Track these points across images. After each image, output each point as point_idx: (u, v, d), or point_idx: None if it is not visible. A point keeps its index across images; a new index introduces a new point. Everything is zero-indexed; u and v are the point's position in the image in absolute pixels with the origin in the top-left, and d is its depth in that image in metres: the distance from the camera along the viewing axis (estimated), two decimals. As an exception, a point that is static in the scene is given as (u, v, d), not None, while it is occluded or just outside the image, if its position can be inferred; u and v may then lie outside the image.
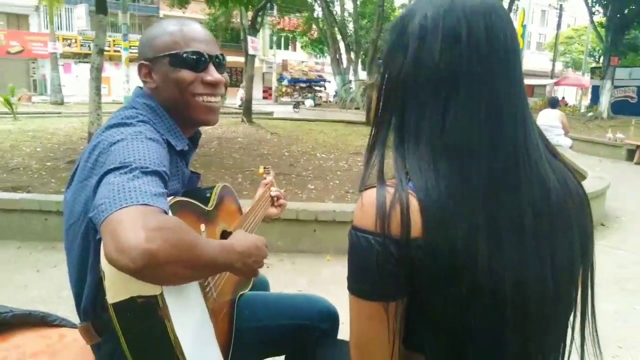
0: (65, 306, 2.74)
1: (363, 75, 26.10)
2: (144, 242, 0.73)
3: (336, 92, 27.84)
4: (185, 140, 1.18)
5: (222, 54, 1.18)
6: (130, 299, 0.83)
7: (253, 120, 12.28)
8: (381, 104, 0.79)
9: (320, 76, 34.59)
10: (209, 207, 1.15)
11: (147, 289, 0.82)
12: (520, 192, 0.71)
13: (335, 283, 3.24)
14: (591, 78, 24.43)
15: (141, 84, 1.18)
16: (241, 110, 13.49)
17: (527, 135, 0.74)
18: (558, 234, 0.74)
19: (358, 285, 0.73)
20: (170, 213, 0.86)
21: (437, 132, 0.70)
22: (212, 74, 1.14)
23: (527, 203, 0.71)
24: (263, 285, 1.58)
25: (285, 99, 32.50)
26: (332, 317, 1.38)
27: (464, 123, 0.70)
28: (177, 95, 1.13)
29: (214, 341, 1.02)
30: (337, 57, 24.88)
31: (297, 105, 24.68)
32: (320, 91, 33.06)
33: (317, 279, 3.37)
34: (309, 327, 1.32)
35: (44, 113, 14.73)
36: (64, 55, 25.01)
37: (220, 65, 1.17)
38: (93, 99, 5.89)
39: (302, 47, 36.38)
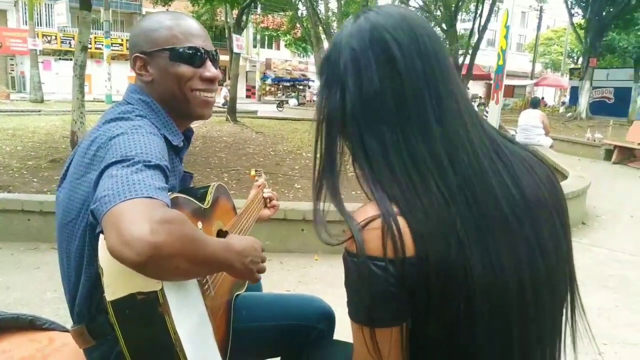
0: (49, 308, 2.70)
1: (347, 74, 26.13)
2: (149, 234, 0.72)
3: (320, 92, 27.82)
4: (181, 136, 1.18)
5: (216, 50, 1.19)
6: (129, 295, 0.82)
7: (237, 119, 12.21)
8: (324, 140, 0.79)
9: (304, 75, 34.58)
10: (205, 206, 1.15)
11: (147, 285, 0.81)
12: (493, 189, 0.72)
13: (324, 282, 3.26)
14: (570, 79, 24.89)
15: (126, 81, 1.17)
16: (225, 109, 13.40)
17: (480, 132, 0.76)
18: (538, 221, 0.76)
19: (358, 312, 0.72)
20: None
21: (404, 152, 0.71)
22: (210, 70, 1.15)
23: (503, 197, 0.73)
24: (256, 286, 1.57)
25: (268, 97, 32.42)
26: (328, 318, 1.38)
27: (421, 139, 0.72)
28: (176, 89, 1.13)
29: (213, 340, 1.01)
30: (321, 56, 24.86)
31: (280, 104, 24.63)
32: (303, 90, 33.04)
33: (306, 278, 3.37)
34: (306, 327, 1.32)
35: (23, 111, 14.44)
36: (44, 52, 24.56)
37: (214, 60, 1.18)
38: (76, 97, 5.80)
39: (285, 45, 36.31)
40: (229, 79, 13.35)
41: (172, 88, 1.13)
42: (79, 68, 5.77)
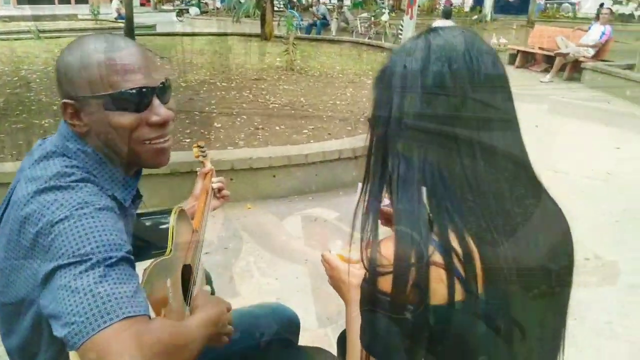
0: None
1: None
2: None
3: (223, -1, 25.93)
4: (132, 189, 0.99)
5: (164, 81, 0.94)
6: None
7: (136, 40, 11.14)
8: (373, 162, 0.77)
9: (203, -21, 31.75)
10: (168, 255, 1.01)
11: None
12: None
13: (262, 233, 3.28)
14: (474, -23, 25.06)
15: None
16: (119, 24, 12.09)
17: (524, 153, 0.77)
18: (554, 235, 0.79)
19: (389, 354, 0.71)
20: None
21: (468, 179, 0.70)
22: (158, 112, 0.92)
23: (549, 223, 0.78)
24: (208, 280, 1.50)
25: (166, 6, 29.71)
26: (294, 324, 1.42)
27: (480, 166, 0.70)
28: (120, 142, 0.92)
29: None
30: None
31: (180, 13, 22.61)
32: (205, -4, 30.57)
33: (242, 233, 3.31)
34: (276, 340, 1.33)
35: None
36: None
37: (164, 94, 0.95)
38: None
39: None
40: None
41: (114, 140, 0.91)
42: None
